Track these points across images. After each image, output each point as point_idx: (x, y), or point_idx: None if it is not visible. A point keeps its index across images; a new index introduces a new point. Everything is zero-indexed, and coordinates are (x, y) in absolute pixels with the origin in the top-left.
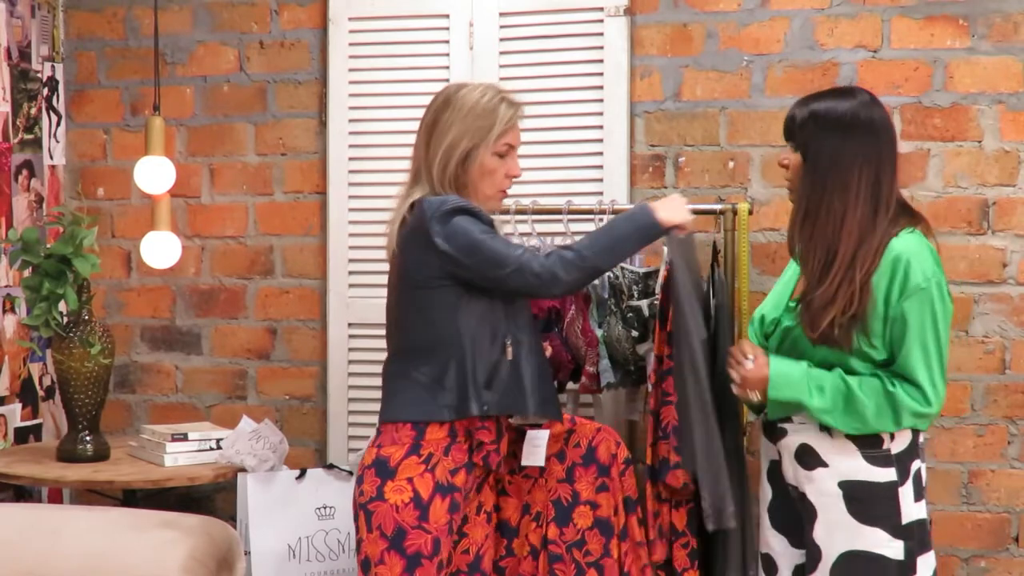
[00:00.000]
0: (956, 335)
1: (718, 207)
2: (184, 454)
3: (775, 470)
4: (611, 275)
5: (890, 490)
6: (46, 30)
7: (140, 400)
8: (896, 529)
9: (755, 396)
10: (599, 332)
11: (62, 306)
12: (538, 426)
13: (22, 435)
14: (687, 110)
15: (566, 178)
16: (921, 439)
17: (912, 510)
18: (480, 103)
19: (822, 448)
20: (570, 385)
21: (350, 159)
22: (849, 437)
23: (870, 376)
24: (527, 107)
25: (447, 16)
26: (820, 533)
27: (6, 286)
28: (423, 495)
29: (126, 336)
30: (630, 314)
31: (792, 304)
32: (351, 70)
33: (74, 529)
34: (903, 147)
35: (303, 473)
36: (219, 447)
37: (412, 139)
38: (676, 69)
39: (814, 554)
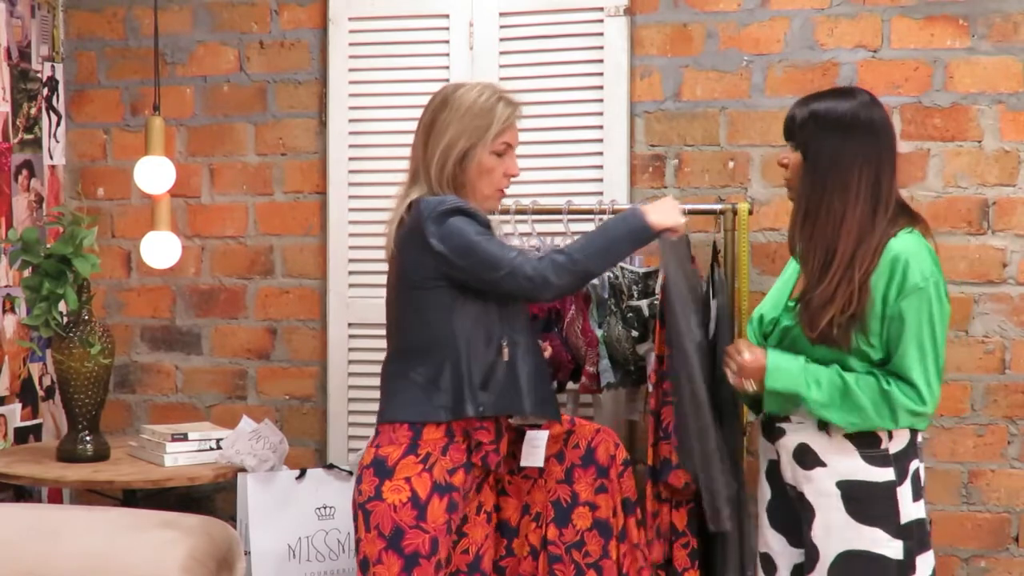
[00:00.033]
0: (956, 335)
1: (718, 207)
2: (184, 454)
3: (774, 470)
4: (611, 275)
5: (888, 490)
6: (46, 30)
7: (140, 400)
8: (895, 529)
9: (751, 386)
10: (599, 332)
11: (62, 306)
12: (537, 427)
13: (22, 435)
14: (687, 110)
15: (566, 178)
16: (919, 439)
17: (911, 510)
18: (478, 102)
19: (820, 448)
20: (570, 385)
21: (350, 159)
22: (847, 437)
23: (866, 374)
24: (527, 107)
25: (447, 16)
26: (818, 533)
27: (6, 286)
28: (421, 495)
29: (126, 336)
30: (630, 314)
31: (791, 304)
32: (351, 70)
33: (74, 529)
34: (903, 147)
35: (303, 473)
36: (219, 447)
37: (412, 139)
38: (676, 69)
39: (812, 554)
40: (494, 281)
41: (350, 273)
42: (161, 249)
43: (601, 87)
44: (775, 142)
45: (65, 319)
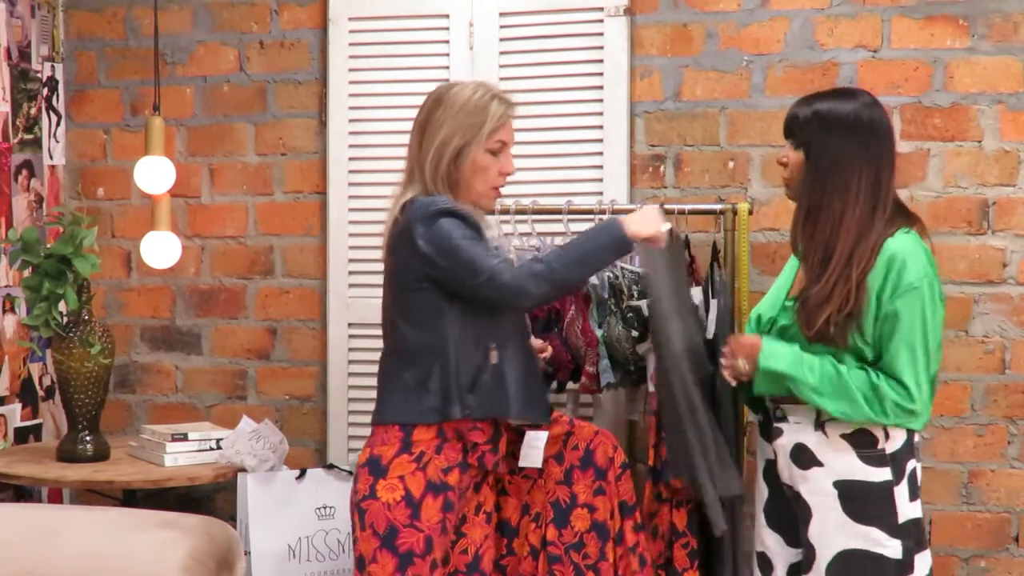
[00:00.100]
0: (956, 335)
1: (718, 207)
2: (184, 454)
3: (771, 469)
4: (611, 275)
5: (885, 490)
6: (46, 30)
7: (140, 400)
8: (893, 528)
9: (744, 365)
10: (599, 332)
11: (62, 306)
12: (537, 427)
13: (22, 435)
14: (687, 110)
15: (566, 178)
16: (916, 439)
17: (908, 509)
18: (471, 100)
19: (817, 448)
20: (570, 385)
21: (350, 159)
22: (844, 437)
23: (858, 368)
24: (527, 107)
25: (447, 16)
26: (815, 532)
27: (6, 286)
28: (415, 493)
29: (126, 336)
30: (630, 314)
31: (788, 304)
32: (351, 70)
33: (74, 529)
34: (903, 147)
35: (303, 473)
36: (219, 447)
37: None
38: (676, 69)
39: (809, 553)
40: (474, 287)
41: (350, 273)
42: (161, 249)
43: (601, 87)
44: (775, 142)
45: (65, 319)
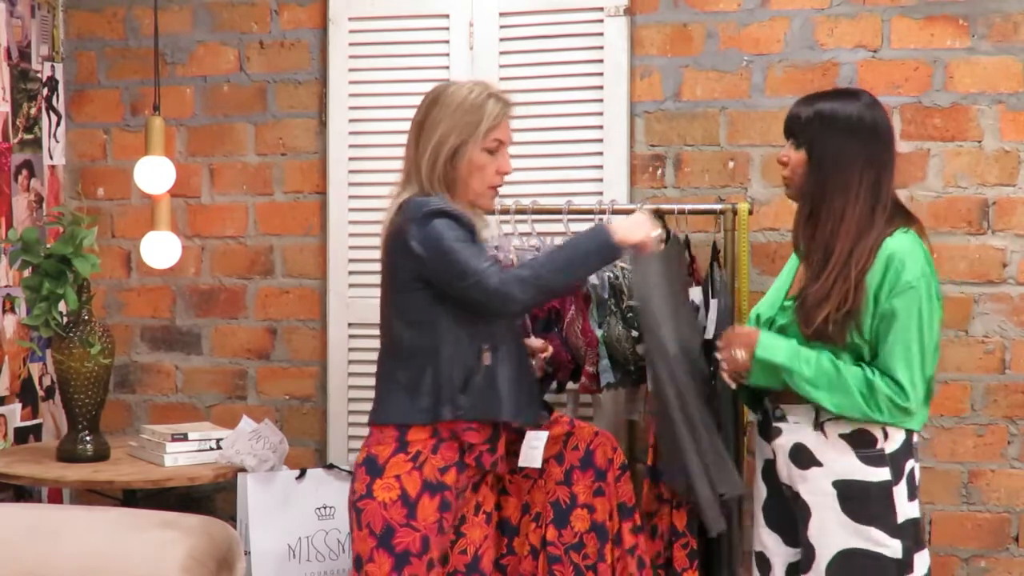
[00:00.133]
0: (956, 335)
1: (718, 207)
2: (184, 454)
3: (769, 469)
4: (611, 275)
5: (884, 490)
6: (46, 30)
7: (140, 400)
8: (892, 529)
9: (741, 354)
10: (599, 332)
11: (62, 306)
12: (538, 427)
13: (22, 435)
14: (687, 110)
15: (566, 178)
16: (915, 439)
17: (907, 509)
18: (468, 99)
19: (816, 447)
20: (570, 385)
21: (350, 159)
22: (843, 437)
23: (853, 364)
24: (527, 107)
25: (447, 16)
26: (815, 532)
27: (6, 286)
28: (411, 493)
29: (126, 336)
30: (630, 314)
31: (787, 303)
32: (351, 70)
33: (74, 529)
34: (903, 147)
35: (303, 473)
36: (219, 447)
37: None
38: (676, 69)
39: (809, 553)
40: (461, 289)
41: (350, 273)
42: (161, 249)
43: (601, 87)
44: (775, 142)
45: (65, 319)
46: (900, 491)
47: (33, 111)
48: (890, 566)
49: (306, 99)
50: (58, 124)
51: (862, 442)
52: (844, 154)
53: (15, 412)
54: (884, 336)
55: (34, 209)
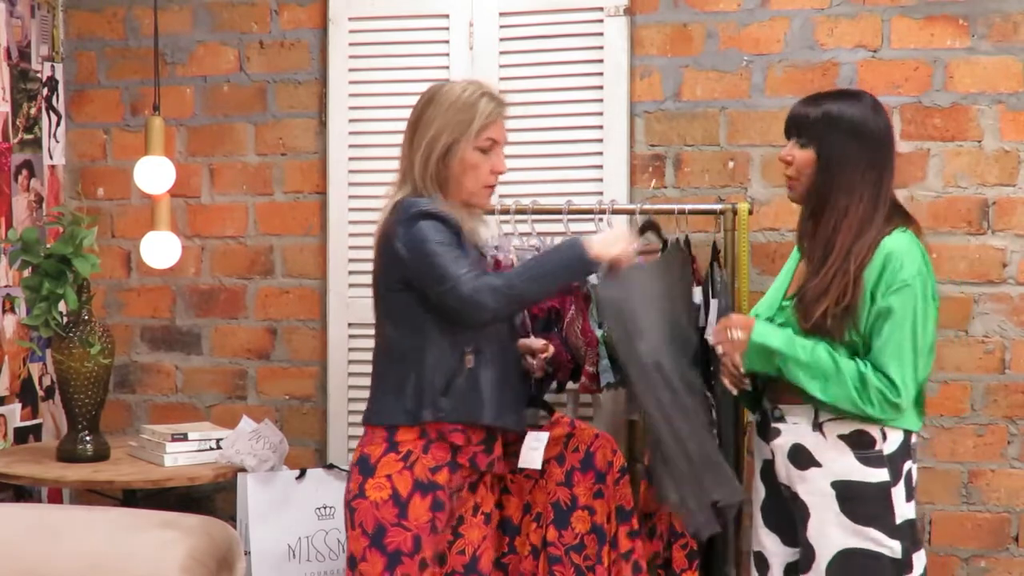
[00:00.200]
0: (956, 335)
1: (718, 207)
2: (184, 454)
3: (768, 469)
4: None
5: (883, 491)
6: (46, 30)
7: (140, 400)
8: (891, 529)
9: (737, 332)
10: (599, 332)
11: (62, 306)
12: (538, 428)
13: (22, 435)
14: (687, 110)
15: (566, 178)
16: (914, 440)
17: (904, 510)
18: (461, 98)
19: (815, 448)
20: (570, 385)
21: (350, 159)
22: (841, 437)
23: (848, 358)
24: (527, 107)
25: (447, 16)
26: (814, 532)
27: (6, 286)
28: (402, 492)
29: (126, 336)
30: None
31: (786, 303)
32: (351, 70)
33: (74, 529)
34: (903, 147)
35: (303, 473)
36: (219, 447)
37: None
38: (676, 69)
39: (808, 553)
40: (438, 294)
41: (350, 273)
42: (161, 249)
43: (601, 87)
44: (775, 142)
45: (65, 319)
46: (898, 492)
47: (33, 111)
48: (890, 565)
49: (306, 99)
50: (58, 124)
51: (861, 443)
52: (850, 155)
53: (15, 412)
54: (878, 332)
55: (34, 209)
